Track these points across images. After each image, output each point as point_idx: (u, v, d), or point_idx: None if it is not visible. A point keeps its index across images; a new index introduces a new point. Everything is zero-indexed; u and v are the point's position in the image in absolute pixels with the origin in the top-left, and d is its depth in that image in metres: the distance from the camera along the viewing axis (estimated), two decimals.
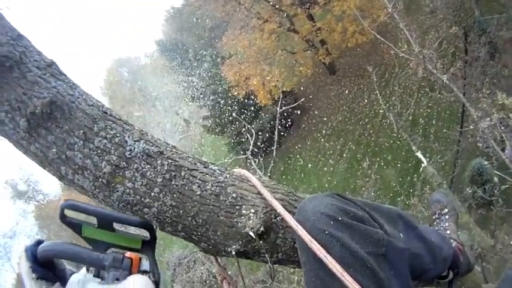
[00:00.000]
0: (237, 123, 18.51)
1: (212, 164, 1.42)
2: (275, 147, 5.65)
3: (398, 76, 17.37)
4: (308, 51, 22.78)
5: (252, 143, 5.61)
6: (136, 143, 1.33)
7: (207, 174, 1.36)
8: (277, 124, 5.75)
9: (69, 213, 1.13)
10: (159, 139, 1.42)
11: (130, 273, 1.08)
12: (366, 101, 20.67)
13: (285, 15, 22.03)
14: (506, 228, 8.72)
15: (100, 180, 1.29)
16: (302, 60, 22.66)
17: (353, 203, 1.29)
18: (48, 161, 1.32)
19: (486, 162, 10.79)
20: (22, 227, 38.33)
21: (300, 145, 21.95)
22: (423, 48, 8.66)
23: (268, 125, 21.29)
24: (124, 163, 1.30)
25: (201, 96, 26.48)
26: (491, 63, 11.80)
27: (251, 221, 1.31)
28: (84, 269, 1.10)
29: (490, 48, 13.07)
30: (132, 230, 1.25)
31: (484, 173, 10.68)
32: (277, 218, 1.35)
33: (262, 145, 11.96)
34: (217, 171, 1.39)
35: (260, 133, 18.73)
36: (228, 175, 1.40)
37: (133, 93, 42.97)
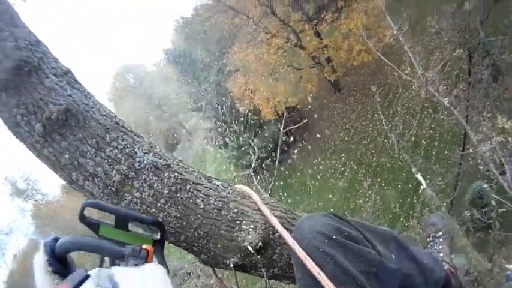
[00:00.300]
0: (240, 137, 18.51)
1: (216, 179, 1.48)
2: (276, 164, 5.71)
3: (402, 96, 17.45)
4: (314, 68, 22.85)
5: (254, 160, 5.67)
6: (146, 155, 1.39)
7: (211, 189, 1.42)
8: (279, 143, 5.80)
9: (87, 213, 1.17)
10: (167, 152, 1.48)
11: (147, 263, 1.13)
12: (369, 120, 20.71)
13: (292, 30, 22.20)
14: (504, 252, 8.68)
15: (109, 188, 1.36)
16: (307, 76, 22.73)
17: (348, 223, 1.35)
18: (60, 165, 1.38)
19: (486, 185, 10.80)
20: (19, 225, 38.26)
21: (301, 162, 21.91)
22: (426, 71, 8.75)
23: (271, 140, 21.30)
24: (133, 173, 1.36)
25: (206, 107, 26.55)
26: (494, 86, 11.82)
27: (250, 236, 1.37)
28: (96, 268, 1.15)
29: (493, 71, 13.10)
30: (143, 230, 1.30)
31: (484, 196, 10.65)
32: (275, 235, 1.40)
33: (264, 161, 11.95)
34: (221, 186, 1.46)
35: (263, 149, 18.78)
36: (230, 191, 1.46)
37: (138, 101, 43.01)
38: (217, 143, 23.32)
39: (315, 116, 23.54)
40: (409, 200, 14.66)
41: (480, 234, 9.76)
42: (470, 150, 9.27)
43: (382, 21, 17.27)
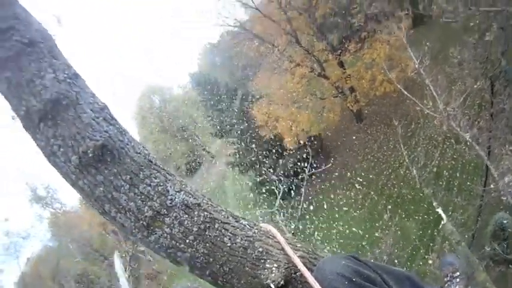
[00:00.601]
0: (261, 164, 18.55)
1: (243, 218, 1.53)
2: (302, 201, 5.76)
3: (424, 127, 17.33)
4: (336, 98, 22.94)
5: (278, 199, 5.73)
6: (177, 193, 1.46)
7: (238, 228, 1.48)
8: (304, 185, 5.86)
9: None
10: (197, 191, 1.54)
11: None
12: (390, 151, 20.55)
13: (316, 60, 22.39)
14: None
15: (141, 222, 1.42)
16: (330, 106, 22.84)
17: (367, 266, 1.40)
18: (94, 196, 1.46)
19: (509, 217, 10.56)
20: (37, 231, 38.65)
21: (321, 192, 21.77)
22: (448, 105, 8.77)
23: (291, 168, 21.24)
24: (165, 210, 1.43)
25: (229, 132, 26.75)
26: None
27: (273, 274, 1.42)
28: None
29: None
30: None
31: (506, 228, 10.42)
32: (297, 274, 1.45)
33: (289, 193, 11.93)
34: (247, 226, 1.51)
35: (284, 178, 18.75)
36: (256, 230, 1.52)
37: (162, 121, 43.60)
38: (238, 168, 23.34)
39: (337, 144, 23.49)
40: (429, 232, 14.40)
41: (500, 268, 9.56)
42: (491, 186, 9.14)
43: (405, 51, 17.38)
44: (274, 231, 1.55)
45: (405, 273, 1.57)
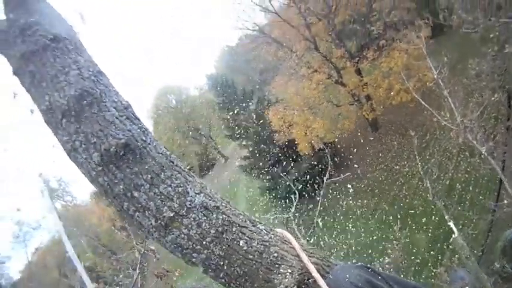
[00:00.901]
0: (274, 168, 18.53)
1: (260, 223, 1.56)
2: (318, 210, 5.78)
3: (440, 138, 17.16)
4: (353, 105, 22.86)
5: (294, 204, 5.75)
6: (197, 195, 1.49)
7: (255, 232, 1.50)
8: (322, 192, 5.88)
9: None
10: (217, 193, 1.57)
11: None
12: (404, 161, 20.40)
13: (334, 67, 22.35)
14: None
15: (159, 221, 1.45)
16: (346, 113, 22.75)
17: (379, 276, 1.42)
18: (113, 194, 1.49)
19: None
20: (47, 222, 39.21)
21: (333, 199, 21.67)
22: (465, 117, 8.70)
23: (305, 174, 21.19)
24: (184, 211, 1.46)
25: (244, 135, 26.76)
26: None
27: (287, 280, 1.44)
28: None
29: None
30: None
31: None
32: (310, 280, 1.47)
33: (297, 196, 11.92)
34: (264, 230, 1.53)
35: (297, 182, 18.71)
36: (272, 235, 1.54)
37: (177, 121, 43.75)
38: (251, 172, 23.34)
39: (351, 152, 23.37)
40: (439, 245, 14.26)
41: (509, 285, 9.44)
42: (505, 201, 9.04)
43: (423, 62, 17.27)
44: (289, 236, 1.57)
45: (416, 285, 1.59)
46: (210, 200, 1.50)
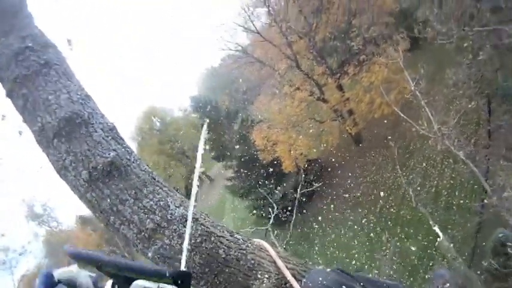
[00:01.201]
0: (259, 188, 18.49)
1: (237, 233, 1.65)
2: (292, 222, 5.89)
3: (422, 148, 17.39)
4: (335, 121, 23.04)
5: (272, 217, 5.84)
6: (177, 208, 1.58)
7: (232, 241, 1.59)
8: (296, 202, 5.98)
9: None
10: (195, 207, 1.65)
11: None
12: (389, 173, 20.56)
13: (315, 84, 22.56)
14: None
15: (143, 233, 1.54)
16: (329, 129, 22.89)
17: (353, 278, 1.50)
18: (100, 208, 1.58)
19: (508, 233, 10.56)
20: (32, 248, 38.39)
21: (321, 214, 21.69)
22: (443, 125, 8.92)
23: (292, 192, 21.19)
24: (165, 223, 1.55)
25: (229, 156, 26.67)
26: None
27: (264, 285, 1.53)
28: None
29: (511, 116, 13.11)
30: None
31: (506, 243, 10.42)
32: (287, 285, 1.55)
33: (284, 213, 11.90)
34: (241, 239, 1.63)
35: (282, 200, 18.73)
36: (249, 244, 1.63)
37: (162, 144, 43.48)
38: (237, 192, 23.25)
39: (336, 167, 23.51)
40: (428, 251, 14.35)
41: (502, 284, 9.56)
42: (485, 201, 9.21)
43: (402, 75, 17.53)
44: (266, 245, 1.66)
45: (396, 285, 1.66)
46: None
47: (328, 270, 1.49)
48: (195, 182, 1.52)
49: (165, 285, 1.17)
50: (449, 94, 14.58)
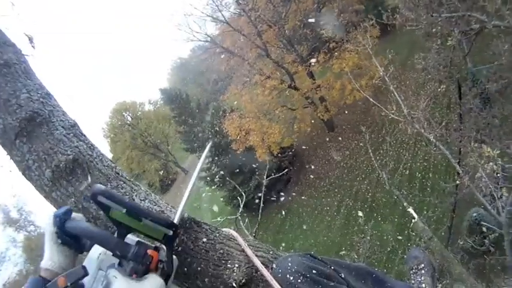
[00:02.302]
0: (231, 178, 18.51)
1: (204, 223, 1.64)
2: (260, 211, 5.93)
3: (395, 131, 17.72)
4: (307, 108, 23.28)
5: (242, 205, 5.86)
6: (142, 202, 1.56)
7: (200, 232, 1.58)
8: (263, 189, 6.01)
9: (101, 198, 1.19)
10: (161, 199, 1.64)
11: (148, 269, 1.20)
12: (363, 157, 20.89)
13: (286, 72, 22.64)
14: (503, 276, 8.74)
15: (110, 229, 1.51)
16: (301, 116, 23.11)
17: (323, 262, 1.51)
18: None
19: (483, 212, 10.93)
20: (11, 254, 37.58)
21: (297, 201, 21.89)
22: (412, 109, 9.11)
23: (265, 181, 21.25)
24: None
25: (202, 147, 26.56)
26: (483, 114, 12.05)
27: (235, 274, 1.52)
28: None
29: (481, 99, 13.51)
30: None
31: (481, 222, 10.75)
32: (258, 273, 1.55)
33: (258, 201, 11.91)
34: (209, 230, 1.62)
35: (256, 188, 18.78)
36: (217, 234, 1.62)
37: (134, 139, 43.05)
38: (211, 183, 23.26)
39: (310, 153, 23.70)
40: (406, 232, 14.69)
41: (478, 260, 9.89)
42: (457, 182, 9.44)
43: (372, 61, 17.74)
44: (235, 234, 1.65)
45: (367, 268, 1.67)
46: (154, 205, 1.58)
47: (298, 255, 1.50)
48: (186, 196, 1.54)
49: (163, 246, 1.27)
50: (419, 79, 14.87)
